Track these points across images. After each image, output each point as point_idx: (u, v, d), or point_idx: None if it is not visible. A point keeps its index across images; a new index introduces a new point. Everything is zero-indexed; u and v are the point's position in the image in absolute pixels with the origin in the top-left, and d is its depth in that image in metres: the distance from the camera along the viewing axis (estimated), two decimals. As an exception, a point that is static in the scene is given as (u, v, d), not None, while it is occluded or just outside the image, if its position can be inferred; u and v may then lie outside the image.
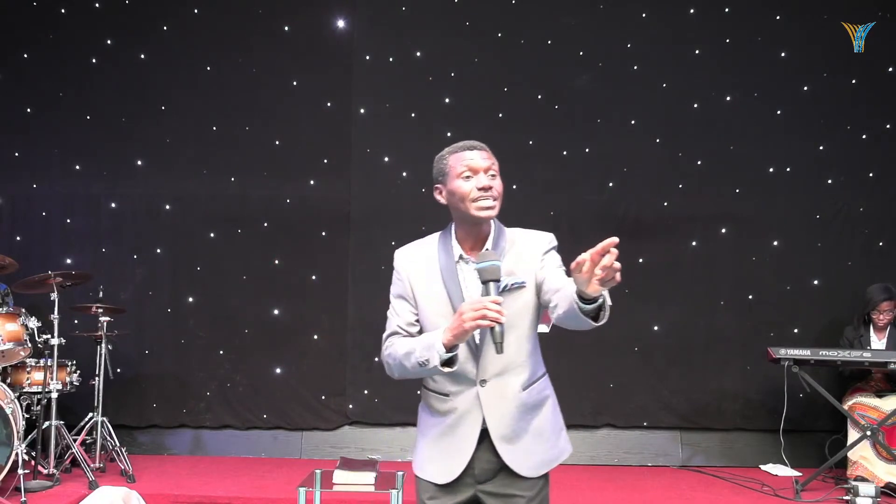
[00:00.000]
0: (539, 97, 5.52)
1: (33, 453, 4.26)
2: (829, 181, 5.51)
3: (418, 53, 5.55)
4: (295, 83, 5.54)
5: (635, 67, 5.52)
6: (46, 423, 4.37)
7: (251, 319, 5.47)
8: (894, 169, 5.48)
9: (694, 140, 5.51)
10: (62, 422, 4.46)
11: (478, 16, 5.51)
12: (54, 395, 4.42)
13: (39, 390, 4.47)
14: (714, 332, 5.45)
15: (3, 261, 4.50)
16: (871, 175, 5.50)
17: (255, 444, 5.42)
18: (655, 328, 5.45)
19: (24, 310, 4.52)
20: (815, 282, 5.48)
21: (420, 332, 2.02)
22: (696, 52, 5.53)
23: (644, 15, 5.51)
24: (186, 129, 5.52)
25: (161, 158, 5.52)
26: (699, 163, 5.53)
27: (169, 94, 5.53)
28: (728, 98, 5.54)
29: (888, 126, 5.50)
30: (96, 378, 4.69)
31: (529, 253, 2.00)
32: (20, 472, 3.95)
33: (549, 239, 2.05)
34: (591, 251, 1.57)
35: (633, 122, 5.53)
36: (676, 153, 5.52)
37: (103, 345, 4.69)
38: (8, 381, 4.53)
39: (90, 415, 4.65)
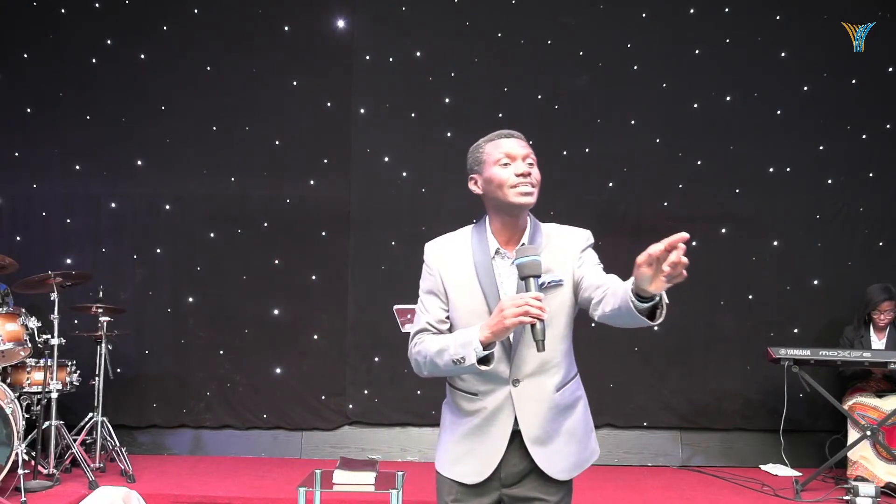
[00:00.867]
0: (539, 97, 5.52)
1: (33, 453, 4.26)
2: (829, 181, 5.51)
3: (418, 53, 5.55)
4: (295, 83, 5.53)
5: (635, 67, 5.52)
6: (46, 423, 4.37)
7: (251, 319, 5.46)
8: (894, 169, 5.48)
9: (694, 140, 5.51)
10: (62, 422, 4.46)
11: (478, 16, 5.51)
12: (54, 395, 4.42)
13: (39, 390, 4.47)
14: (714, 332, 5.45)
15: (3, 261, 4.50)
16: (871, 175, 5.50)
17: (255, 444, 5.42)
18: (655, 328, 5.43)
19: (24, 310, 4.52)
20: (815, 282, 5.48)
21: (450, 329, 1.96)
22: (696, 52, 5.53)
23: (644, 15, 5.51)
24: (186, 129, 5.52)
25: (161, 158, 5.52)
26: (699, 163, 5.53)
27: (169, 94, 5.53)
28: (728, 98, 5.54)
29: (888, 126, 5.50)
30: (96, 378, 4.69)
31: (567, 249, 1.95)
32: (20, 472, 3.95)
33: (586, 236, 2.01)
34: (659, 246, 1.50)
35: (633, 122, 5.53)
36: (676, 153, 5.52)
37: (103, 345, 4.69)
38: (8, 381, 4.53)
39: (90, 415, 4.65)
